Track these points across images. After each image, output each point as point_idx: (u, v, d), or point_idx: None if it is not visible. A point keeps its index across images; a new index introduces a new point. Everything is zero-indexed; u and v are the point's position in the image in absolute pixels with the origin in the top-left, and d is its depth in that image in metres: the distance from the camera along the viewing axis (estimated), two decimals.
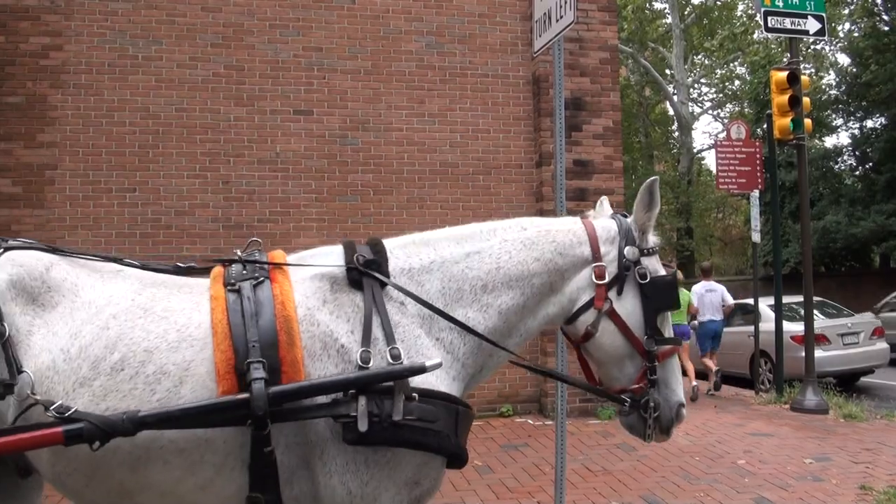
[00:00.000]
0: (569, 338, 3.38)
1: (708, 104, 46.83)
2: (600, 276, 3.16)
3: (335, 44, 10.77)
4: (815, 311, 14.27)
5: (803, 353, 12.76)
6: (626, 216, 3.34)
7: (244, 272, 2.96)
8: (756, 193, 14.70)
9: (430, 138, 10.96)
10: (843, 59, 38.45)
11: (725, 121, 42.14)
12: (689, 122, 40.45)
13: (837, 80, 38.16)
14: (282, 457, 2.75)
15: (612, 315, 3.14)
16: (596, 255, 3.19)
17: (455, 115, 11.06)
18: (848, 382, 16.60)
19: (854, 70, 36.24)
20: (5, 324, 2.75)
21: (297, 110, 10.58)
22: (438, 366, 2.77)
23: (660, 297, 3.19)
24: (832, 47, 38.87)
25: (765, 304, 15.80)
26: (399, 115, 10.87)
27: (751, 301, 15.63)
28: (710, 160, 48.62)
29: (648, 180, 3.23)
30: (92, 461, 2.67)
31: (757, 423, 10.52)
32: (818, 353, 13.76)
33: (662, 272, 3.25)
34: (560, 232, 3.26)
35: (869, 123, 36.32)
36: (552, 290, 3.20)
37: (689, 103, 41.34)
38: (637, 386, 3.19)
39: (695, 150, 43.40)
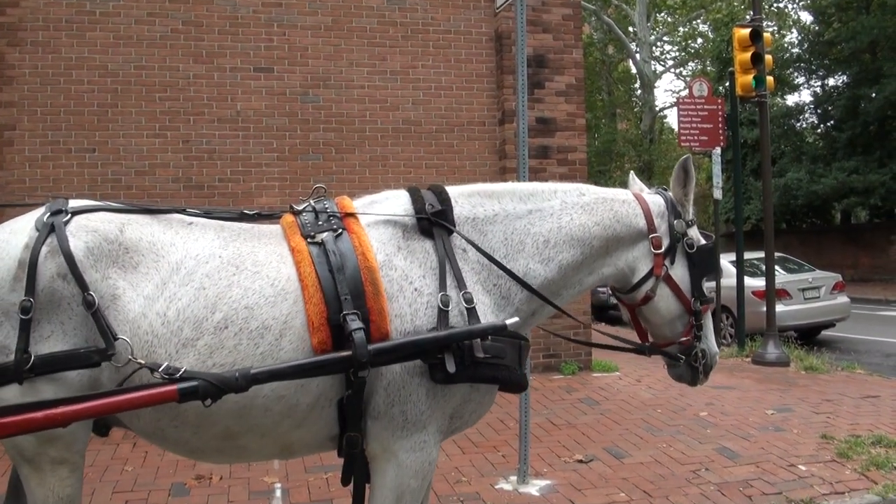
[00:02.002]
0: (624, 302, 3.74)
1: (670, 62, 46.94)
2: (657, 247, 3.51)
3: None
4: (777, 267, 14.42)
5: (764, 308, 12.91)
6: (666, 190, 3.73)
7: (320, 223, 3.12)
8: (718, 151, 14.75)
9: (392, 96, 10.86)
10: (806, 17, 38.62)
11: (688, 79, 42.24)
12: (651, 81, 40.48)
13: (800, 38, 38.42)
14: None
15: (668, 281, 3.53)
16: (651, 228, 3.54)
17: (417, 72, 10.96)
18: (809, 336, 16.82)
19: (816, 28, 36.48)
20: (92, 293, 2.77)
21: (257, 67, 10.43)
22: (517, 323, 3.06)
23: (704, 263, 3.59)
24: (795, 5, 39.08)
25: (726, 261, 15.95)
26: (360, 72, 10.76)
27: (719, 264, 15.74)
28: (672, 118, 48.81)
29: (682, 158, 3.65)
30: (200, 412, 2.82)
31: (719, 377, 10.63)
32: (779, 307, 13.95)
33: (703, 241, 3.62)
34: (616, 202, 3.56)
35: (831, 81, 36.61)
36: (607, 253, 3.52)
37: (652, 61, 41.35)
38: (685, 339, 3.59)
39: (657, 109, 43.55)
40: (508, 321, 3.00)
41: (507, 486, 6.35)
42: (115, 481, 6.51)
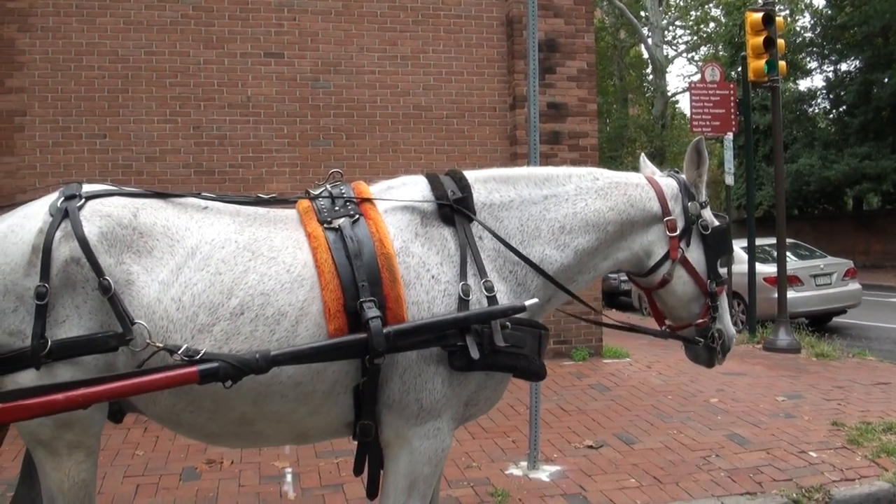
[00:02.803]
0: (640, 286, 3.77)
1: (682, 47, 46.75)
2: (672, 230, 3.52)
3: None
4: (788, 253, 14.38)
5: (776, 294, 12.89)
6: (679, 172, 3.74)
7: (336, 208, 3.12)
8: (730, 136, 14.67)
9: (403, 81, 10.84)
10: (818, 1, 38.41)
11: (700, 64, 42.04)
12: (663, 66, 40.33)
13: (812, 22, 38.23)
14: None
15: (685, 263, 3.54)
16: (665, 211, 3.54)
17: (428, 57, 10.93)
18: (820, 322, 16.78)
19: (829, 12, 36.27)
20: (108, 277, 2.78)
21: (267, 53, 10.41)
22: (536, 304, 3.11)
23: (719, 244, 3.60)
24: None
25: (738, 247, 15.89)
26: (371, 57, 10.74)
27: (732, 244, 15.67)
28: (684, 104, 48.82)
29: (694, 140, 3.64)
30: (216, 398, 2.87)
31: (730, 363, 10.47)
32: (791, 293, 13.92)
33: (717, 223, 3.63)
34: (630, 185, 3.56)
35: (843, 66, 36.45)
36: (622, 238, 3.52)
37: (664, 46, 41.20)
38: (702, 321, 3.60)
39: (669, 94, 43.41)
40: (528, 302, 3.00)
41: (517, 472, 6.35)
42: (126, 465, 6.53)
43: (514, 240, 3.28)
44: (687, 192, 3.59)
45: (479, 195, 3.31)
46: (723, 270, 3.62)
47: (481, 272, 3.08)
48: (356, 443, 3.16)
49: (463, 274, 3.05)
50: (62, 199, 2.91)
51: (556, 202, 3.41)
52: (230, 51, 10.30)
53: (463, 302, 2.99)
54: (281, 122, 10.42)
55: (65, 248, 2.79)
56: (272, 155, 10.37)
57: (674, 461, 6.54)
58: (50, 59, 9.85)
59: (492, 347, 2.92)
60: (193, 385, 2.68)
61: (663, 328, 3.77)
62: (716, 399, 8.61)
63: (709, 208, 3.64)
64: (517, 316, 3.01)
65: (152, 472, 6.40)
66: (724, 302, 3.65)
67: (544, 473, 6.30)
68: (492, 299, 3.03)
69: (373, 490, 3.20)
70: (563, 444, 7.04)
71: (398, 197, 3.25)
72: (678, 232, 3.51)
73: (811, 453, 6.68)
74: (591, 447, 6.94)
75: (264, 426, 3.02)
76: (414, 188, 3.31)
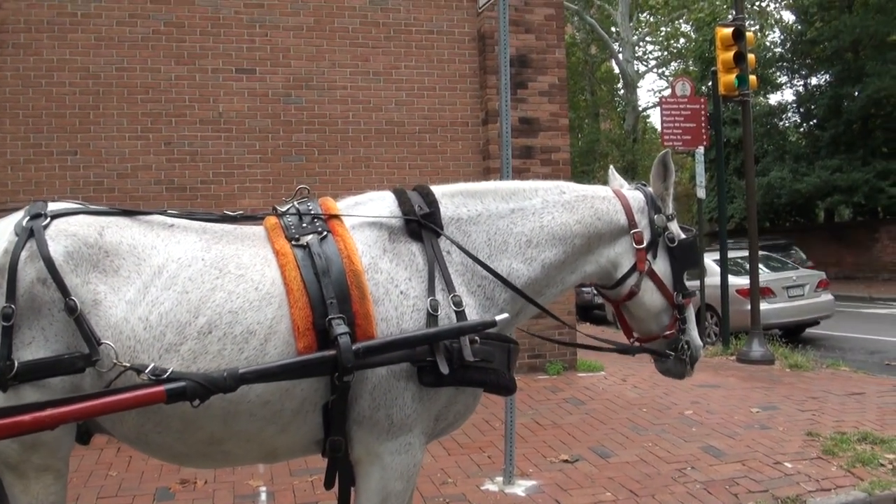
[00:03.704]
0: (608, 298, 3.75)
1: (653, 62, 47.05)
2: (639, 242, 3.53)
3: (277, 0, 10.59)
4: (761, 265, 14.43)
5: (749, 306, 12.93)
6: (646, 185, 3.73)
7: (304, 225, 3.10)
8: (701, 150, 14.77)
9: (375, 96, 10.83)
10: (788, 16, 38.76)
11: (671, 79, 42.30)
12: (634, 81, 40.55)
13: (782, 37, 38.58)
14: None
15: (652, 275, 3.55)
16: (632, 223, 3.55)
17: (400, 72, 10.94)
18: (793, 334, 16.87)
19: (799, 27, 36.64)
20: (74, 298, 2.74)
21: (239, 69, 10.38)
22: (507, 319, 3.08)
23: (686, 256, 3.61)
24: (777, 4, 39.27)
25: (710, 259, 15.97)
26: (343, 73, 10.73)
27: (700, 257, 15.76)
28: (655, 118, 48.79)
29: (661, 153, 3.65)
30: (184, 417, 2.83)
31: (704, 375, 10.65)
32: (764, 305, 13.95)
33: (684, 235, 3.65)
34: (597, 199, 3.57)
35: (813, 80, 36.77)
36: (590, 251, 3.53)
37: (635, 61, 41.42)
38: (670, 332, 3.61)
39: (640, 109, 43.58)
40: (498, 317, 2.99)
41: (492, 487, 6.33)
42: (99, 486, 6.46)
43: (481, 254, 3.27)
44: (654, 204, 3.60)
45: (447, 210, 3.31)
46: (693, 283, 3.62)
47: (449, 287, 3.07)
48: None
49: (431, 289, 3.04)
50: (27, 217, 2.87)
51: (523, 216, 3.42)
52: (202, 67, 10.26)
53: (431, 317, 2.98)
54: (253, 137, 10.38)
55: (30, 269, 2.75)
56: (244, 171, 10.33)
57: (649, 474, 6.55)
58: (21, 76, 9.78)
59: (461, 362, 2.90)
60: (161, 405, 2.64)
61: (632, 341, 3.76)
62: (690, 411, 8.63)
63: (675, 221, 3.66)
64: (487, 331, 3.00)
65: (126, 492, 6.34)
66: (691, 314, 3.66)
67: (520, 488, 6.28)
68: (460, 314, 3.02)
69: None
70: (538, 459, 7.03)
71: (366, 213, 3.24)
72: (645, 244, 3.52)
73: (786, 464, 6.71)
74: (566, 461, 6.93)
75: (233, 445, 2.99)
76: (381, 204, 3.30)
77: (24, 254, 2.76)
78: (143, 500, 6.18)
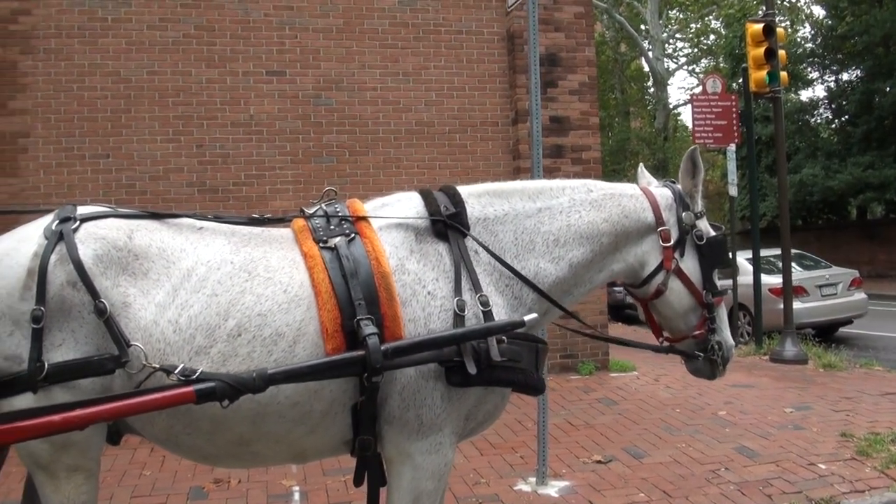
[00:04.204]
0: (636, 297, 3.73)
1: (683, 59, 46.73)
2: (666, 240, 3.50)
3: (306, 2, 10.59)
4: (793, 264, 14.32)
5: (782, 305, 12.86)
6: (674, 183, 3.71)
7: (332, 227, 3.11)
8: (732, 147, 14.67)
9: (405, 97, 10.85)
10: (819, 11, 38.41)
11: (701, 76, 42.05)
12: (664, 78, 40.34)
13: (813, 32, 38.19)
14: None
15: (679, 274, 3.52)
16: (659, 221, 3.52)
17: (429, 73, 10.95)
18: (826, 333, 16.69)
19: (829, 22, 36.25)
20: (103, 300, 2.77)
21: (269, 71, 10.43)
22: (536, 320, 3.06)
23: (714, 254, 3.57)
24: None
25: (742, 258, 15.85)
26: (373, 74, 10.76)
27: (729, 255, 15.66)
28: (686, 116, 48.73)
29: (689, 150, 3.62)
30: (214, 419, 2.85)
31: (737, 375, 10.58)
32: (796, 304, 13.83)
33: (713, 233, 3.61)
34: (624, 196, 3.55)
35: (844, 76, 36.37)
36: (617, 249, 3.51)
37: (665, 59, 41.21)
38: (699, 332, 3.56)
39: (671, 106, 43.37)
40: (527, 317, 2.98)
41: (525, 488, 6.33)
42: (133, 486, 6.51)
43: (508, 254, 3.27)
44: (682, 201, 3.58)
45: (473, 210, 3.31)
46: (725, 282, 3.58)
47: (476, 287, 3.07)
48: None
49: (458, 289, 3.04)
50: (57, 221, 2.90)
51: (550, 215, 3.41)
52: (232, 70, 10.32)
53: (458, 317, 2.98)
54: (283, 139, 10.43)
55: (60, 272, 2.77)
56: (275, 172, 10.38)
57: (683, 475, 6.51)
58: (52, 81, 9.89)
59: (488, 362, 2.90)
60: (191, 406, 2.66)
61: (661, 341, 3.74)
62: (724, 412, 8.57)
63: (705, 218, 3.63)
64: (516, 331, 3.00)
65: (159, 492, 6.38)
66: (722, 313, 3.62)
67: (553, 489, 6.27)
68: (487, 314, 3.01)
69: None
70: (571, 460, 7.01)
71: (392, 214, 3.25)
72: (672, 242, 3.50)
73: (820, 465, 6.65)
74: (599, 462, 6.91)
75: (262, 446, 3.01)
76: (408, 204, 3.30)
77: (53, 257, 2.78)
78: (176, 499, 6.22)
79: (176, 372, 2.66)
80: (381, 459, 3.17)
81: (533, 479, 6.44)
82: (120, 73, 10.04)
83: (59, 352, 2.74)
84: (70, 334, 2.76)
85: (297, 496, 6.22)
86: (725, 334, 3.62)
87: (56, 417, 2.50)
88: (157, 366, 2.70)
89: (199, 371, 2.68)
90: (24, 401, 2.70)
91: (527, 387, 3.10)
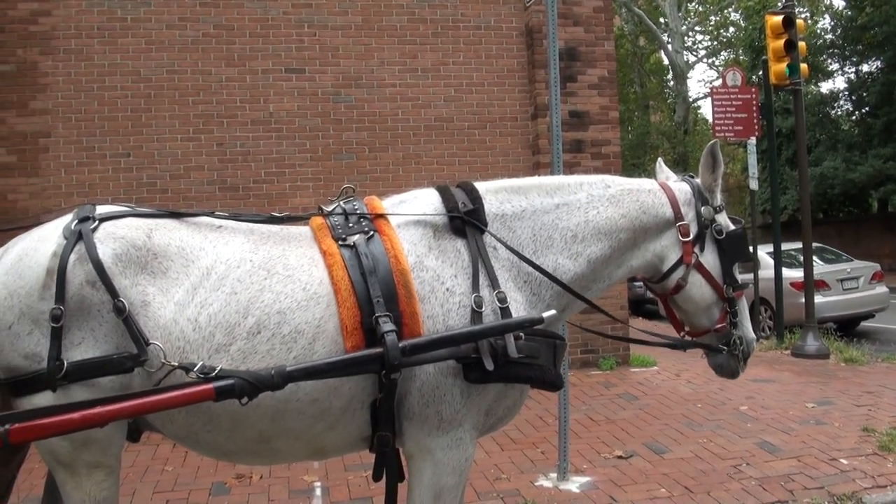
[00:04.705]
0: (656, 292, 3.73)
1: (703, 52, 46.50)
2: (685, 235, 3.49)
3: None
4: (815, 258, 14.23)
5: (803, 299, 12.80)
6: (693, 177, 3.69)
7: (350, 225, 3.12)
8: (753, 141, 14.60)
9: (424, 93, 10.87)
10: (838, 2, 38.17)
11: (720, 69, 41.84)
12: (684, 71, 40.19)
13: (832, 23, 37.90)
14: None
15: (699, 268, 3.50)
16: (678, 216, 3.52)
17: (448, 68, 10.95)
18: (848, 327, 16.57)
19: (849, 13, 35.99)
20: (122, 299, 2.79)
21: (288, 69, 10.47)
22: (554, 316, 3.02)
23: (734, 248, 3.56)
24: None
25: (763, 252, 15.79)
26: (392, 70, 10.77)
27: (749, 249, 15.59)
28: (705, 109, 48.45)
29: (709, 144, 3.60)
30: (234, 416, 2.87)
31: (758, 370, 10.55)
32: (818, 298, 13.74)
33: (732, 227, 3.59)
34: (642, 192, 3.54)
35: (865, 67, 36.10)
36: (635, 245, 3.51)
37: (684, 52, 41.03)
38: (720, 326, 3.56)
39: (690, 99, 43.19)
40: (546, 314, 2.97)
41: (547, 483, 6.33)
42: (155, 481, 6.56)
43: (527, 250, 3.27)
44: (700, 196, 3.56)
45: (491, 206, 3.31)
46: (746, 276, 3.57)
47: (494, 283, 3.07)
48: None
49: (476, 286, 3.05)
50: (75, 221, 2.92)
51: (568, 211, 3.40)
52: (252, 68, 10.36)
53: (476, 314, 2.99)
54: (303, 137, 10.47)
55: (79, 271, 2.79)
56: (295, 170, 10.42)
57: (704, 470, 6.50)
58: (73, 81, 9.96)
59: (506, 359, 2.91)
60: (211, 403, 2.69)
61: (682, 335, 3.73)
62: (745, 407, 8.55)
63: (724, 213, 3.62)
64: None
65: (182, 487, 6.43)
66: (743, 307, 3.62)
67: (574, 484, 6.28)
68: (505, 310, 3.01)
69: (391, 502, 3.20)
70: (592, 455, 7.01)
71: (410, 211, 3.25)
72: (691, 237, 3.49)
73: (842, 460, 6.63)
74: (620, 457, 6.91)
75: (282, 443, 3.03)
76: (425, 201, 3.31)
77: (72, 256, 2.81)
78: (198, 494, 6.26)
79: (195, 369, 2.68)
80: (399, 455, 3.18)
81: (554, 475, 6.45)
82: (140, 72, 10.10)
83: (79, 350, 2.77)
84: (89, 333, 2.79)
85: (318, 491, 6.25)
86: (746, 328, 3.61)
87: (76, 415, 2.51)
88: (177, 363, 2.73)
89: (219, 368, 2.69)
90: (43, 399, 2.73)
91: (544, 383, 3.07)
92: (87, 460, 2.87)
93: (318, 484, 6.40)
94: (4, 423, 2.48)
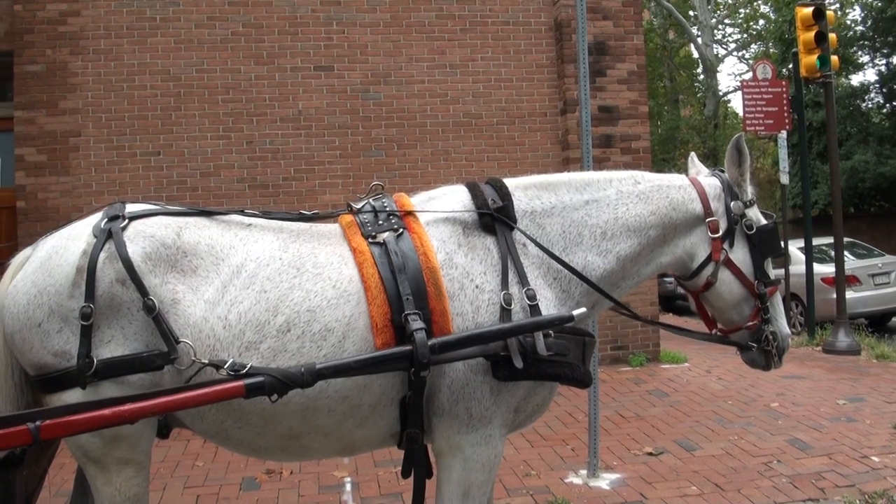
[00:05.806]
0: (687, 289, 3.69)
1: (732, 45, 46.13)
2: (715, 231, 3.45)
3: None
4: (846, 253, 14.11)
5: (834, 295, 12.70)
6: (723, 172, 3.64)
7: (380, 222, 3.13)
8: (784, 134, 14.48)
9: (453, 89, 10.87)
10: None
11: (751, 62, 41.53)
12: (713, 65, 39.93)
13: (863, 15, 37.48)
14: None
15: (729, 264, 3.46)
16: (708, 212, 3.48)
17: (477, 64, 10.95)
18: (880, 323, 16.47)
19: (879, 4, 35.57)
20: (152, 297, 2.81)
21: (317, 66, 10.50)
22: (584, 314, 3.05)
23: (765, 244, 3.51)
24: None
25: (795, 247, 15.67)
26: (420, 67, 10.78)
27: (781, 244, 15.45)
28: (736, 103, 48.01)
29: (734, 138, 3.56)
30: (264, 413, 2.90)
31: (789, 366, 10.47)
32: (849, 294, 13.60)
33: (763, 221, 3.56)
34: (672, 188, 3.51)
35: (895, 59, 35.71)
36: (665, 242, 3.48)
37: (714, 45, 40.77)
38: (752, 323, 3.50)
39: (721, 93, 42.86)
40: (576, 312, 2.97)
41: (576, 480, 6.33)
42: (186, 476, 6.61)
43: (556, 247, 3.27)
44: (730, 191, 3.52)
45: (520, 203, 3.31)
46: (778, 271, 3.53)
47: (523, 280, 3.06)
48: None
49: (505, 283, 3.04)
50: (105, 219, 2.94)
51: (598, 207, 3.39)
52: (281, 66, 10.41)
53: (505, 311, 2.98)
54: (332, 134, 10.50)
55: (109, 270, 2.82)
56: (325, 167, 10.45)
57: (735, 468, 6.47)
58: (102, 81, 10.05)
59: (535, 356, 2.90)
60: (241, 400, 2.71)
61: (714, 332, 3.70)
62: (776, 403, 8.50)
63: (755, 207, 3.57)
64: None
65: (212, 482, 6.47)
66: (777, 303, 3.56)
67: (604, 481, 6.26)
68: (534, 308, 3.01)
69: (419, 499, 3.20)
70: (622, 452, 7.00)
71: (439, 208, 3.26)
72: (721, 233, 3.45)
73: (873, 458, 6.58)
74: (650, 454, 6.89)
75: (311, 440, 3.04)
76: (455, 198, 3.31)
77: (102, 255, 2.83)
78: (229, 489, 6.30)
79: (225, 367, 2.70)
80: (427, 451, 3.19)
81: (584, 471, 6.44)
82: (169, 71, 10.17)
83: (108, 348, 2.80)
84: (119, 331, 2.82)
85: (348, 487, 6.27)
86: (780, 324, 3.55)
87: (107, 411, 2.53)
88: (207, 361, 2.75)
89: (249, 366, 2.70)
90: (73, 396, 2.77)
91: (573, 380, 3.06)
92: (116, 456, 2.90)
93: (348, 479, 6.43)
94: (35, 419, 2.50)
